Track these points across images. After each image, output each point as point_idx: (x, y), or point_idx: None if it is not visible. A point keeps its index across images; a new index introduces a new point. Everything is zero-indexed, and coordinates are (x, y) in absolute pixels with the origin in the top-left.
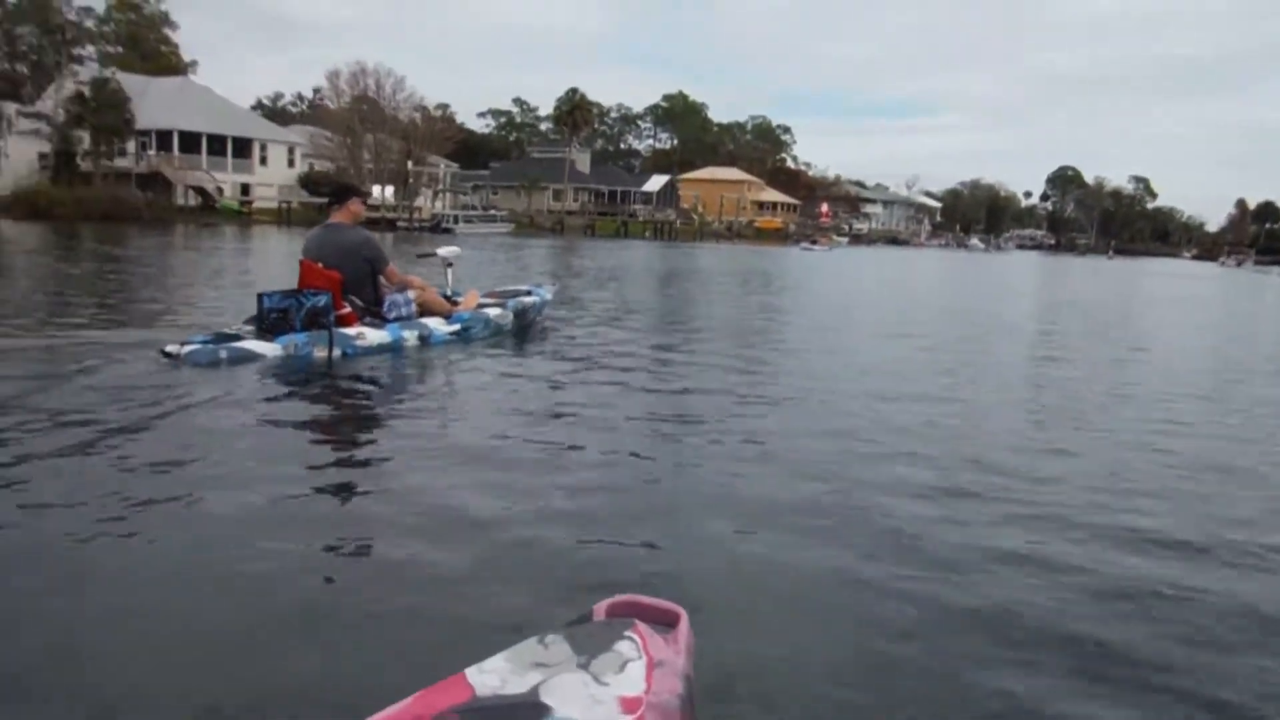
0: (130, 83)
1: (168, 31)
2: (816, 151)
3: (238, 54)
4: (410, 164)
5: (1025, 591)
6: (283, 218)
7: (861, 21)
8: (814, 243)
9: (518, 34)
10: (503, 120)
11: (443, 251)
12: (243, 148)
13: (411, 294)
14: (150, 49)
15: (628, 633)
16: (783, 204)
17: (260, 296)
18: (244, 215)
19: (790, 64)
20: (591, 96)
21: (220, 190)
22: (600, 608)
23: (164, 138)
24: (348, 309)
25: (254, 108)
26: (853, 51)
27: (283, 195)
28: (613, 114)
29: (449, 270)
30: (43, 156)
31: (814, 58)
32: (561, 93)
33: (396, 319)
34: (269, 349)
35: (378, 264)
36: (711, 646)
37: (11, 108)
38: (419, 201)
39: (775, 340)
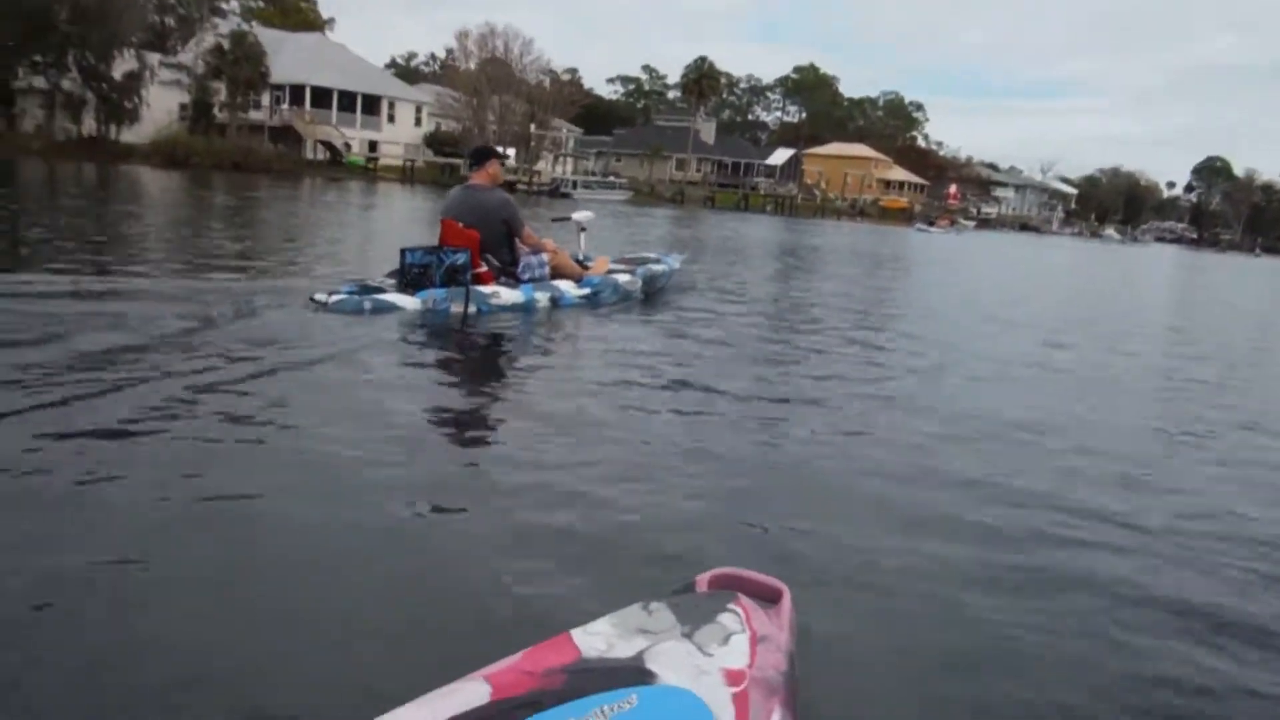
0: (268, 37)
1: None
2: (949, 131)
3: (383, 13)
4: (533, 127)
5: (1135, 624)
6: (406, 175)
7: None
8: (931, 224)
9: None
10: (631, 87)
11: (577, 216)
12: (372, 105)
13: (545, 256)
14: (290, 4)
15: (731, 605)
16: (910, 183)
17: (403, 252)
18: (369, 171)
19: (927, 41)
20: (722, 67)
21: (348, 146)
22: (703, 579)
23: (297, 92)
24: (484, 268)
25: (388, 66)
26: (993, 30)
27: (408, 153)
28: (741, 85)
29: (582, 235)
30: (182, 107)
31: (952, 35)
32: (706, 65)
33: (530, 280)
34: (409, 302)
35: (514, 226)
36: (813, 627)
37: (154, 58)
38: (540, 165)
39: (890, 328)
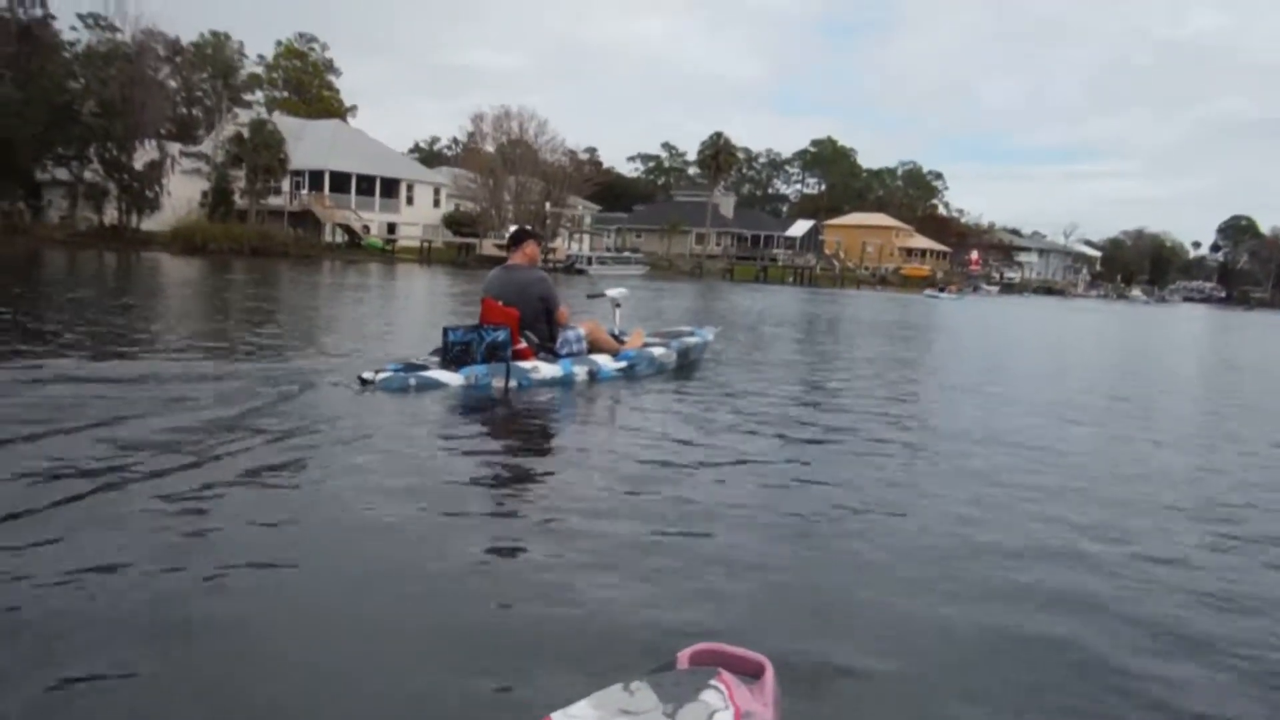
0: (287, 125)
1: (331, 77)
2: (970, 198)
3: (411, 100)
4: (548, 206)
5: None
6: (423, 256)
7: (1021, 66)
8: (941, 290)
9: (675, 81)
10: (651, 164)
11: (611, 293)
12: (390, 188)
13: (583, 331)
14: (313, 94)
15: (713, 682)
16: (931, 251)
17: (445, 330)
18: (387, 253)
19: (945, 109)
20: (742, 142)
21: (366, 228)
22: (684, 655)
23: (316, 178)
24: (524, 344)
25: (412, 151)
26: (1011, 96)
27: (426, 234)
28: (761, 159)
29: (616, 311)
30: (204, 195)
31: (970, 102)
32: (722, 140)
33: (568, 355)
34: (452, 378)
35: (551, 304)
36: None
37: (175, 147)
38: (557, 242)
39: (907, 398)
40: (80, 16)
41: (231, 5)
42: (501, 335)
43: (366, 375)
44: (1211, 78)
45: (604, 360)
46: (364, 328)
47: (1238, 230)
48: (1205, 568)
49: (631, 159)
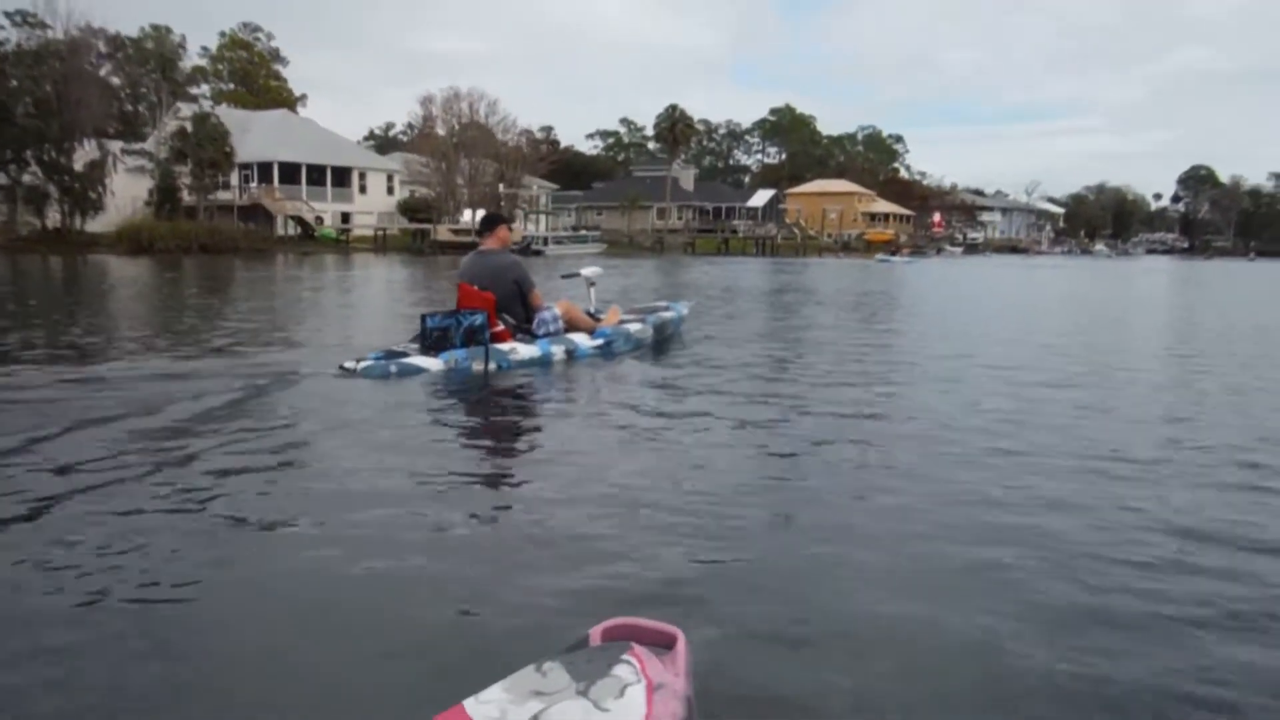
0: (233, 117)
1: (278, 67)
2: (933, 161)
3: (372, 89)
4: (502, 187)
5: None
6: (378, 244)
7: (976, 27)
8: (894, 254)
9: (634, 58)
10: (610, 141)
11: (585, 272)
12: (342, 177)
13: (559, 311)
14: (260, 85)
15: (625, 656)
16: (895, 215)
17: (423, 317)
18: (341, 243)
19: (905, 77)
20: (702, 115)
21: (320, 219)
22: (596, 632)
23: (265, 170)
24: (501, 326)
25: (368, 138)
26: (968, 58)
27: (382, 222)
28: (720, 131)
29: (591, 289)
30: (150, 193)
31: (930, 69)
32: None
33: (545, 335)
34: (433, 364)
35: (524, 285)
36: (711, 666)
37: (116, 146)
38: (516, 224)
39: (863, 375)
40: (8, 15)
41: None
42: (479, 319)
43: (348, 364)
44: (1168, 31)
45: (581, 339)
46: (327, 319)
47: (1198, 180)
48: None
49: (590, 136)
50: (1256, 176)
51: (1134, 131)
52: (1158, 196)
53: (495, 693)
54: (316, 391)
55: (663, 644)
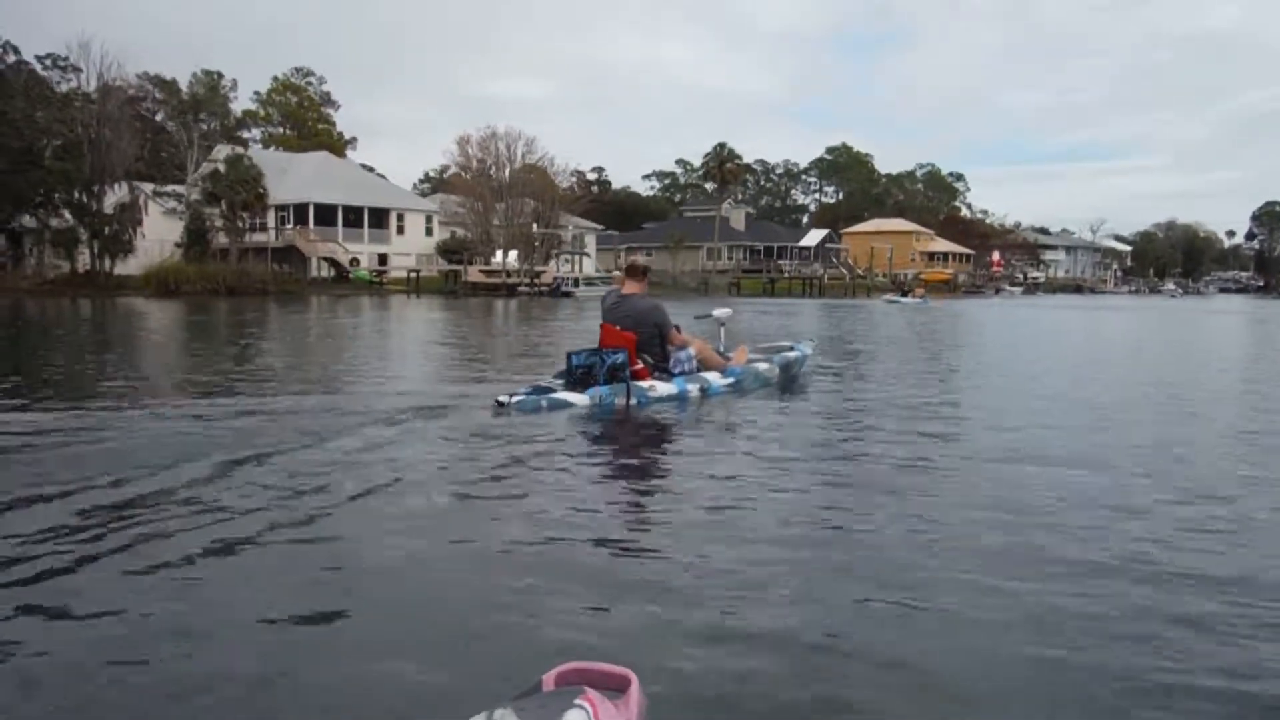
0: (271, 159)
1: (329, 110)
2: (996, 200)
3: (433, 133)
4: (535, 227)
5: None
6: (412, 286)
7: (1038, 67)
8: (904, 294)
9: (693, 102)
10: (666, 181)
11: (717, 313)
12: (380, 218)
13: (693, 350)
14: (310, 128)
15: (578, 701)
16: (955, 254)
17: (569, 355)
18: (375, 285)
19: (964, 117)
20: (761, 155)
21: (355, 261)
22: (549, 677)
23: (301, 211)
24: (640, 365)
25: (421, 180)
26: (1034, 98)
27: (421, 263)
28: (778, 170)
29: (722, 330)
30: (182, 235)
31: (989, 109)
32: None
33: (681, 373)
34: (580, 399)
35: (664, 327)
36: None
37: (148, 187)
38: (550, 265)
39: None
40: (39, 59)
41: (237, 43)
42: (620, 357)
43: (502, 399)
44: (1232, 70)
45: (713, 377)
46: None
47: (1272, 217)
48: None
49: (647, 177)
50: None
51: (1201, 170)
52: (1231, 234)
53: None
54: (479, 423)
55: (616, 687)
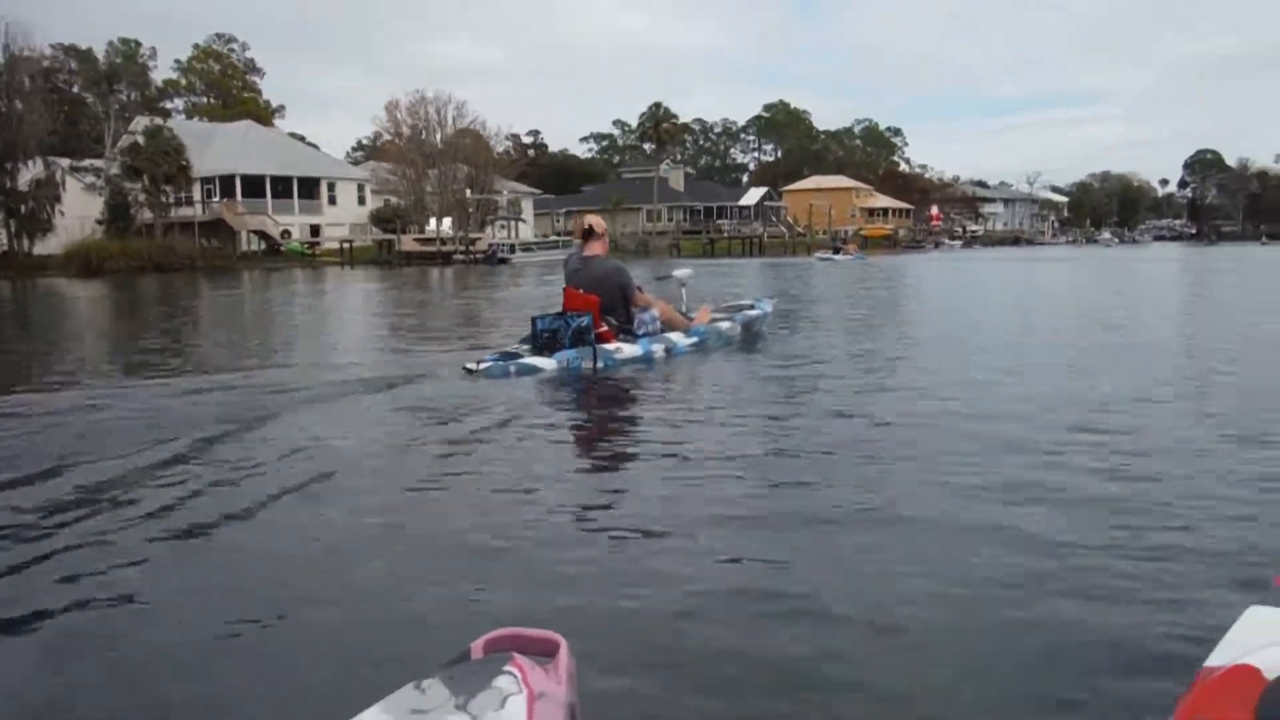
0: (193, 130)
1: (253, 78)
2: (935, 156)
3: (367, 99)
4: (469, 192)
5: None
6: (345, 257)
7: (982, 21)
8: (836, 251)
9: (635, 60)
10: (604, 144)
11: (678, 274)
12: (310, 188)
13: (656, 312)
14: (235, 97)
15: (507, 667)
16: (894, 209)
17: (533, 320)
18: (308, 257)
19: (905, 68)
20: (703, 115)
21: (286, 233)
22: (478, 644)
23: (227, 183)
24: (605, 328)
25: (355, 148)
26: (972, 52)
27: (355, 233)
28: (716, 129)
29: (683, 290)
30: (103, 211)
31: (930, 60)
32: (661, 110)
33: (645, 334)
34: (547, 363)
35: (628, 289)
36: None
37: (65, 163)
38: (486, 231)
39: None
40: None
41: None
42: (585, 321)
43: (470, 365)
44: (1169, 17)
45: (677, 337)
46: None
47: (1204, 165)
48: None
49: (584, 140)
50: (1264, 159)
51: (1139, 119)
52: (1164, 183)
53: (372, 715)
54: (448, 390)
55: (545, 653)
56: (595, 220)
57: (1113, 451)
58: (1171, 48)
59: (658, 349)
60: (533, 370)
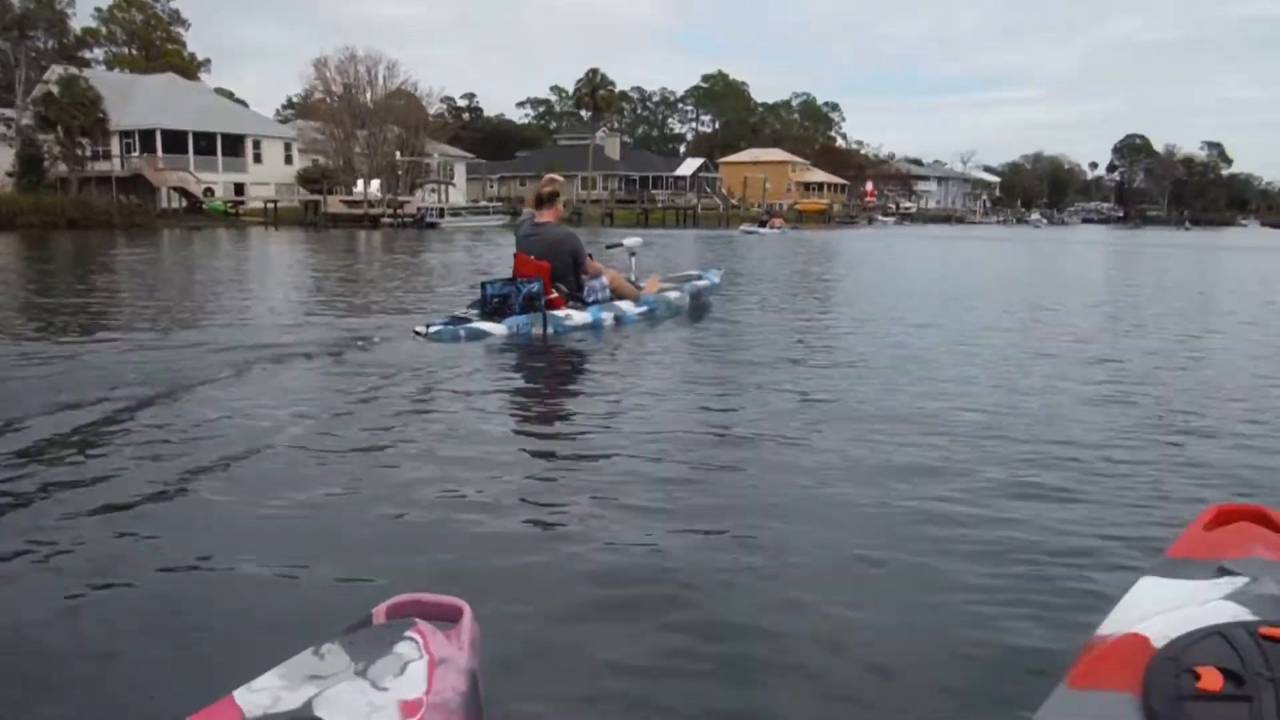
0: (113, 81)
1: (178, 30)
2: (873, 131)
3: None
4: (398, 155)
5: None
6: (270, 217)
7: (920, 4)
8: (761, 225)
9: (577, 25)
10: (541, 110)
11: (627, 243)
12: (234, 145)
13: (606, 280)
14: (157, 48)
15: (408, 633)
16: (830, 184)
17: (483, 285)
18: (231, 216)
19: (845, 43)
20: (642, 83)
21: (210, 191)
22: (380, 610)
23: (147, 138)
24: (555, 294)
25: (285, 106)
26: (908, 29)
27: (280, 194)
28: (654, 98)
29: (632, 259)
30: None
31: (870, 35)
32: (598, 77)
33: (595, 302)
34: (497, 329)
35: (578, 256)
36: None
37: None
38: (416, 195)
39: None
40: None
41: None
42: (535, 287)
43: (419, 330)
44: (1102, 4)
45: (627, 306)
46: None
47: (1132, 149)
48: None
49: (521, 105)
50: (1190, 145)
51: (1071, 102)
52: (1094, 165)
53: (268, 680)
54: (400, 352)
55: (448, 618)
56: (554, 180)
57: (1012, 434)
58: (1103, 31)
59: (607, 317)
60: (482, 335)
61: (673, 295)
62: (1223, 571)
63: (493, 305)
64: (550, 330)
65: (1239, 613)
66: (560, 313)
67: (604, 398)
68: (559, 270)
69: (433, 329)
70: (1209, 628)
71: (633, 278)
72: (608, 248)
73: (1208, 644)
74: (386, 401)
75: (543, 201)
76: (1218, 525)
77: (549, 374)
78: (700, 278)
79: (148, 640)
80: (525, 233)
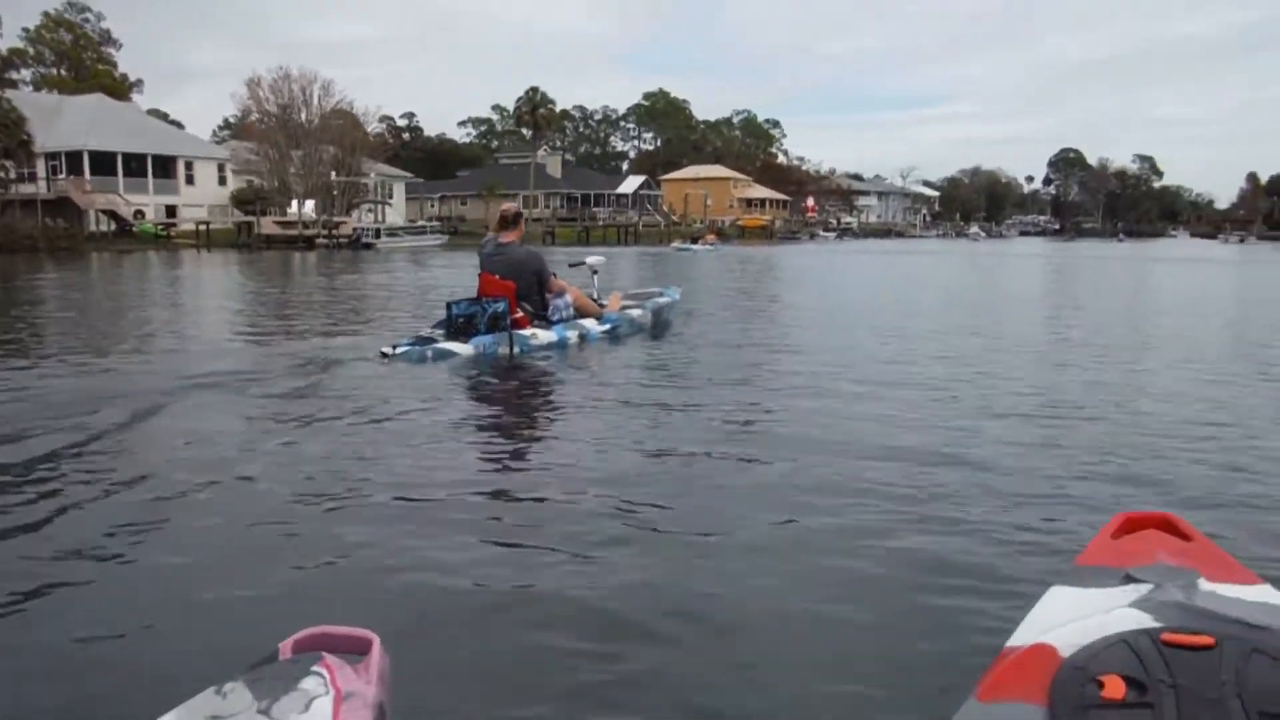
0: (40, 102)
1: (109, 50)
2: (814, 148)
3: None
4: (334, 174)
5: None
6: (200, 239)
7: (857, 17)
8: (694, 241)
9: (518, 45)
10: (483, 129)
11: (590, 260)
12: (166, 167)
13: (570, 298)
14: (87, 70)
15: (315, 668)
16: (772, 200)
17: (449, 305)
18: (162, 239)
19: (786, 61)
20: (583, 102)
21: (140, 214)
22: (286, 644)
23: (75, 159)
24: (520, 314)
25: (222, 126)
26: (848, 47)
27: (214, 215)
28: (596, 116)
29: (595, 277)
30: None
31: (810, 54)
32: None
33: (559, 321)
34: (464, 348)
35: (543, 275)
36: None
37: None
38: (353, 215)
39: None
40: None
41: None
42: (501, 306)
43: (386, 350)
44: (1038, 22)
45: (591, 324)
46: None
47: (1067, 163)
48: None
49: (463, 124)
50: (1122, 159)
51: (1008, 117)
52: (1030, 179)
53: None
54: (366, 375)
55: (357, 651)
56: (511, 206)
57: (931, 448)
58: (1040, 49)
59: (572, 335)
60: (449, 355)
61: (635, 313)
62: (1129, 579)
63: (458, 325)
64: (516, 349)
65: (1143, 620)
66: (526, 332)
67: (564, 421)
68: (524, 289)
69: (399, 349)
70: (1114, 635)
71: (594, 295)
72: (571, 266)
73: (1112, 652)
74: (331, 426)
75: (506, 222)
76: (1125, 533)
77: (513, 394)
78: (661, 295)
79: (39, 684)
80: (490, 253)
